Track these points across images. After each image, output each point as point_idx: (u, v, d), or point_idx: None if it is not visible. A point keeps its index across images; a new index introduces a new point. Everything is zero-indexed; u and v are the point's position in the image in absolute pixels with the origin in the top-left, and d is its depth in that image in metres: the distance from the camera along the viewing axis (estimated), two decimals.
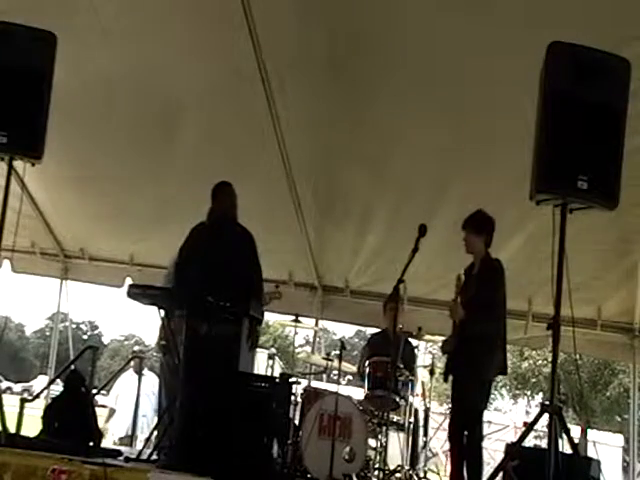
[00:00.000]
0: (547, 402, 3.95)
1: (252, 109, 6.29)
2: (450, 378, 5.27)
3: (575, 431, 19.57)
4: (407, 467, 5.67)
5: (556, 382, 4.03)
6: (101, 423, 7.60)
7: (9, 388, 32.12)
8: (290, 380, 5.74)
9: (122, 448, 5.89)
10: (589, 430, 22.78)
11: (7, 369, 37.80)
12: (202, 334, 4.91)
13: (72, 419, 4.73)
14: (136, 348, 10.25)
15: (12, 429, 4.44)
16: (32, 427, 4.78)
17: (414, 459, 6.04)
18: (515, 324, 7.14)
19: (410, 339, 6.52)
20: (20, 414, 4.71)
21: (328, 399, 5.51)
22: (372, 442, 5.63)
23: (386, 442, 5.39)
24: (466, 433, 5.02)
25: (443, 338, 5.53)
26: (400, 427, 5.93)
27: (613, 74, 3.92)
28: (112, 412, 8.82)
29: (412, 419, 6.01)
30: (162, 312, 5.04)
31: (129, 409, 7.96)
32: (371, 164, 6.66)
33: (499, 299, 5.13)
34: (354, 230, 7.39)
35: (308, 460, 5.32)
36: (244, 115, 6.40)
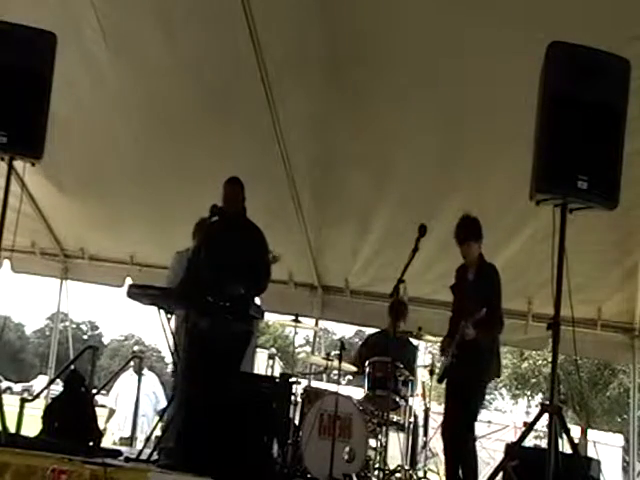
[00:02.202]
0: (547, 402, 3.95)
1: (252, 109, 6.29)
2: (446, 380, 5.31)
3: (575, 431, 19.58)
4: (407, 467, 5.67)
5: (556, 382, 4.03)
6: (101, 423, 7.60)
7: (9, 388, 32.09)
8: (290, 380, 5.74)
9: (122, 448, 5.89)
10: (589, 430, 22.78)
11: (7, 369, 37.78)
12: (203, 334, 4.92)
13: (72, 419, 4.72)
14: (136, 348, 10.26)
15: (12, 429, 4.44)
16: (32, 427, 4.78)
17: (414, 459, 6.05)
18: (515, 324, 7.14)
19: (410, 339, 6.52)
20: (20, 414, 4.71)
21: (328, 399, 5.51)
22: (372, 442, 5.63)
23: (386, 442, 5.39)
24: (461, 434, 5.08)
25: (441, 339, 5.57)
26: (400, 427, 5.93)
27: (613, 74, 3.92)
28: (112, 412, 8.83)
29: (412, 419, 6.01)
30: (162, 312, 5.04)
31: (129, 409, 7.96)
32: (371, 164, 6.66)
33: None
34: (354, 230, 7.39)
35: (308, 460, 5.32)
36: (244, 115, 6.40)
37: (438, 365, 6.10)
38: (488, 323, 5.03)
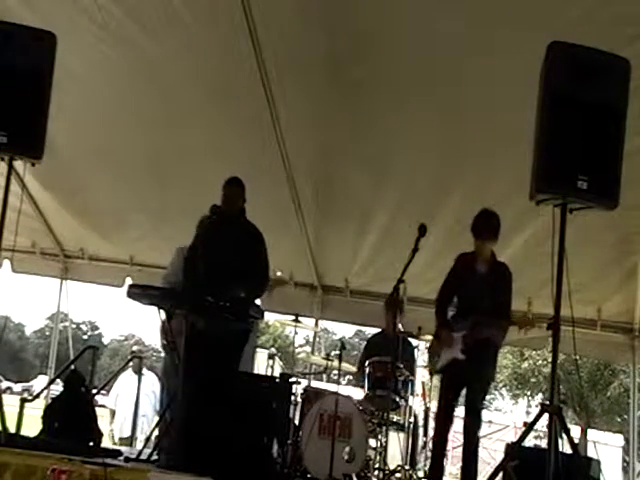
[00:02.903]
0: (547, 402, 3.95)
1: (252, 109, 6.29)
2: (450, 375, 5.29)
3: (575, 431, 19.57)
4: (407, 467, 5.67)
5: (556, 382, 4.03)
6: (105, 424, 7.60)
7: (9, 388, 32.09)
8: (290, 380, 5.74)
9: (122, 448, 5.89)
10: (589, 430, 22.79)
11: (7, 369, 37.78)
12: (202, 334, 4.92)
13: (72, 419, 4.73)
14: (135, 348, 10.24)
15: (12, 429, 4.44)
16: (32, 427, 4.78)
17: (414, 459, 6.05)
18: None
19: (410, 339, 6.51)
20: (20, 414, 4.71)
21: (328, 399, 5.51)
22: (372, 442, 5.63)
23: (386, 442, 5.39)
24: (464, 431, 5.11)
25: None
26: (400, 427, 5.93)
27: (613, 74, 3.92)
28: (113, 413, 8.82)
29: (412, 419, 6.01)
30: (162, 312, 5.04)
31: (129, 409, 7.96)
32: (371, 164, 6.66)
33: None
34: (354, 230, 7.39)
35: (308, 460, 5.32)
36: (244, 115, 6.39)
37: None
38: (506, 327, 5.06)
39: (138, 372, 8.06)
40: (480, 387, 5.21)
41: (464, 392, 5.21)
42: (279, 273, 6.09)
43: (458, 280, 5.35)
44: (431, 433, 6.28)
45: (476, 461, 5.11)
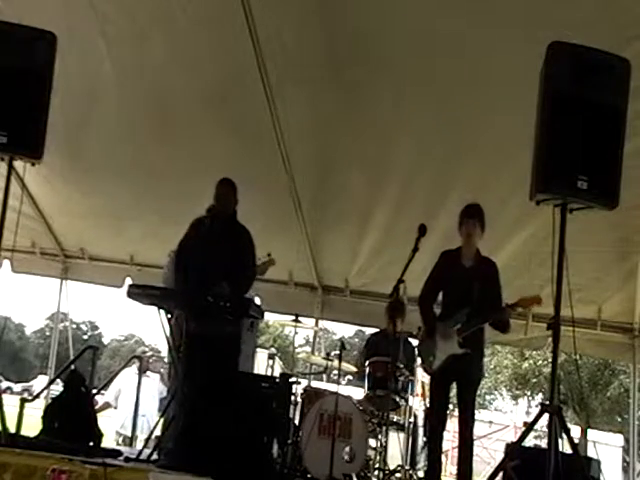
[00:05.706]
0: (547, 402, 3.96)
1: (252, 110, 6.29)
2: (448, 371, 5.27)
3: (575, 431, 19.58)
4: (407, 467, 5.67)
5: (556, 382, 4.03)
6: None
7: (9, 388, 32.09)
8: (290, 380, 5.74)
9: (122, 448, 5.89)
10: (589, 430, 22.79)
11: (7, 369, 37.78)
12: (202, 334, 4.92)
13: (72, 419, 4.73)
14: (140, 349, 10.19)
15: (12, 429, 4.44)
16: (32, 427, 4.78)
17: (414, 459, 6.05)
18: (515, 324, 7.14)
19: (409, 339, 6.52)
20: (20, 414, 4.72)
21: (328, 399, 5.52)
22: (372, 442, 5.64)
23: (386, 442, 5.39)
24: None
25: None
26: (400, 427, 5.94)
27: (613, 74, 3.93)
28: (107, 406, 8.76)
29: (412, 419, 6.02)
30: (162, 312, 5.04)
31: (129, 407, 7.95)
32: (371, 164, 6.66)
33: None
34: (354, 230, 7.38)
35: (308, 460, 5.32)
36: (244, 115, 6.39)
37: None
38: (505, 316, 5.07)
39: (139, 373, 8.02)
40: (474, 382, 5.19)
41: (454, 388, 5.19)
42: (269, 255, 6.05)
43: (443, 276, 5.28)
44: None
45: (471, 458, 5.08)
